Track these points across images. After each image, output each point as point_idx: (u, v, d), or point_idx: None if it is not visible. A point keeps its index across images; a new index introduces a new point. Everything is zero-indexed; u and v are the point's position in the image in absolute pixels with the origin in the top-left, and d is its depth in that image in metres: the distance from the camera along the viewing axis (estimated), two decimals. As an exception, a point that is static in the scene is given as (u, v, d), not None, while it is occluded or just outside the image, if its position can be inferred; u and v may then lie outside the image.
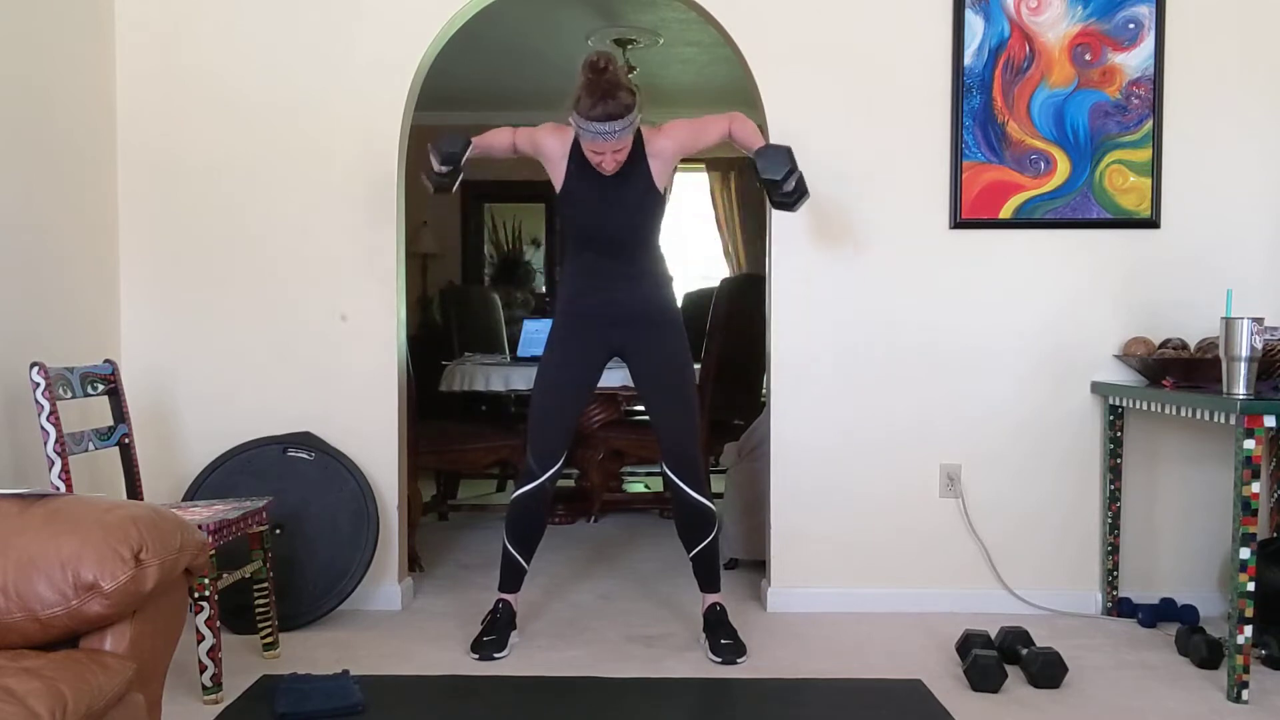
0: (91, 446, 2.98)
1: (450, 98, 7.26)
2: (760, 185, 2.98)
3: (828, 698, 2.82)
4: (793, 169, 2.92)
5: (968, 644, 3.03)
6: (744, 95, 3.97)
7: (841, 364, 3.63)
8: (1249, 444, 2.76)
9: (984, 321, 3.63)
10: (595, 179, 3.02)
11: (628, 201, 3.03)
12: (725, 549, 4.16)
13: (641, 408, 5.14)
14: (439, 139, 3.04)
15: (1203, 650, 3.04)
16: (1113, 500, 3.58)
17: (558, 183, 3.09)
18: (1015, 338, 3.63)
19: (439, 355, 5.98)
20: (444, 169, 3.03)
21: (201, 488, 3.46)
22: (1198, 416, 2.98)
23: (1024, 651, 2.97)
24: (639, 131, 3.03)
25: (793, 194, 2.95)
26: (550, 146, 3.08)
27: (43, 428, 2.76)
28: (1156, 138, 3.56)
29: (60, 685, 1.58)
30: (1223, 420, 2.86)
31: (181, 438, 3.61)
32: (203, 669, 2.72)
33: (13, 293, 3.00)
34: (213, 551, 2.73)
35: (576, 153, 3.03)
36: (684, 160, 3.26)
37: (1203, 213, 3.60)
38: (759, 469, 3.94)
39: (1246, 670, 2.79)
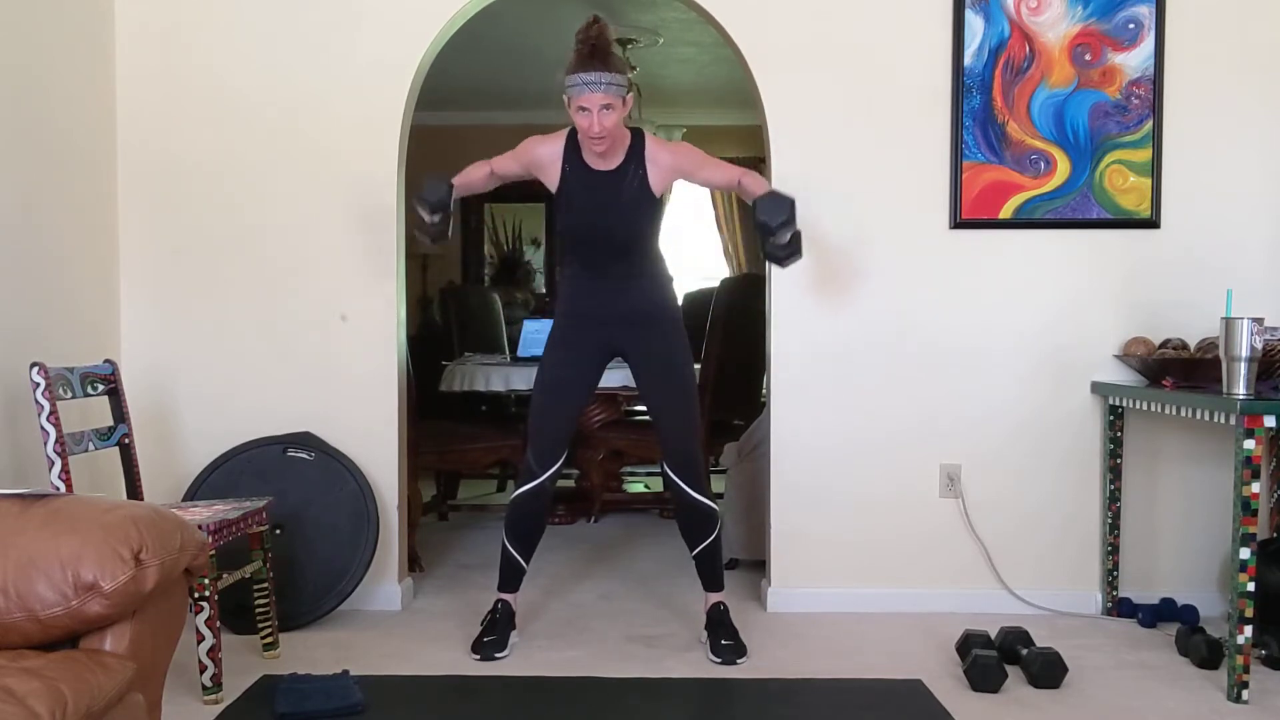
0: (91, 446, 2.98)
1: (450, 98, 7.25)
2: (756, 230, 2.95)
3: (828, 698, 2.82)
4: (790, 220, 2.89)
5: (968, 644, 3.03)
6: (744, 95, 3.97)
7: (841, 364, 3.63)
8: (1249, 444, 2.76)
9: (984, 321, 3.63)
10: (590, 179, 3.01)
11: (623, 202, 3.03)
12: (725, 549, 4.15)
13: (642, 407, 5.15)
14: (421, 190, 3.04)
15: (1203, 650, 3.04)
16: (1113, 500, 3.58)
17: (553, 185, 3.09)
18: (1015, 338, 3.63)
19: (439, 355, 5.98)
20: (435, 217, 3.04)
21: (201, 488, 3.46)
22: (1198, 416, 2.98)
23: (1024, 651, 2.97)
24: (643, 135, 3.03)
25: (785, 247, 2.93)
26: (540, 153, 3.08)
27: (43, 428, 2.76)
28: (1156, 138, 3.56)
29: (60, 685, 1.58)
30: (1223, 420, 2.85)
31: (181, 438, 3.61)
32: (203, 669, 2.72)
33: (13, 293, 2.99)
34: (213, 551, 2.73)
35: (570, 154, 3.03)
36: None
37: (1203, 213, 3.60)
38: (759, 469, 3.94)
39: (1246, 670, 2.79)
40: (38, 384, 2.77)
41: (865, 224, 3.62)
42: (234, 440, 3.54)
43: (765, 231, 2.91)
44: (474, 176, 3.19)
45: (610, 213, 3.04)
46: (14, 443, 2.96)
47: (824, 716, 2.69)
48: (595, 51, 2.84)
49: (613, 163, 3.01)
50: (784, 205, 2.90)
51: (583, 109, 2.86)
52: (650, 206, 3.06)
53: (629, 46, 6.07)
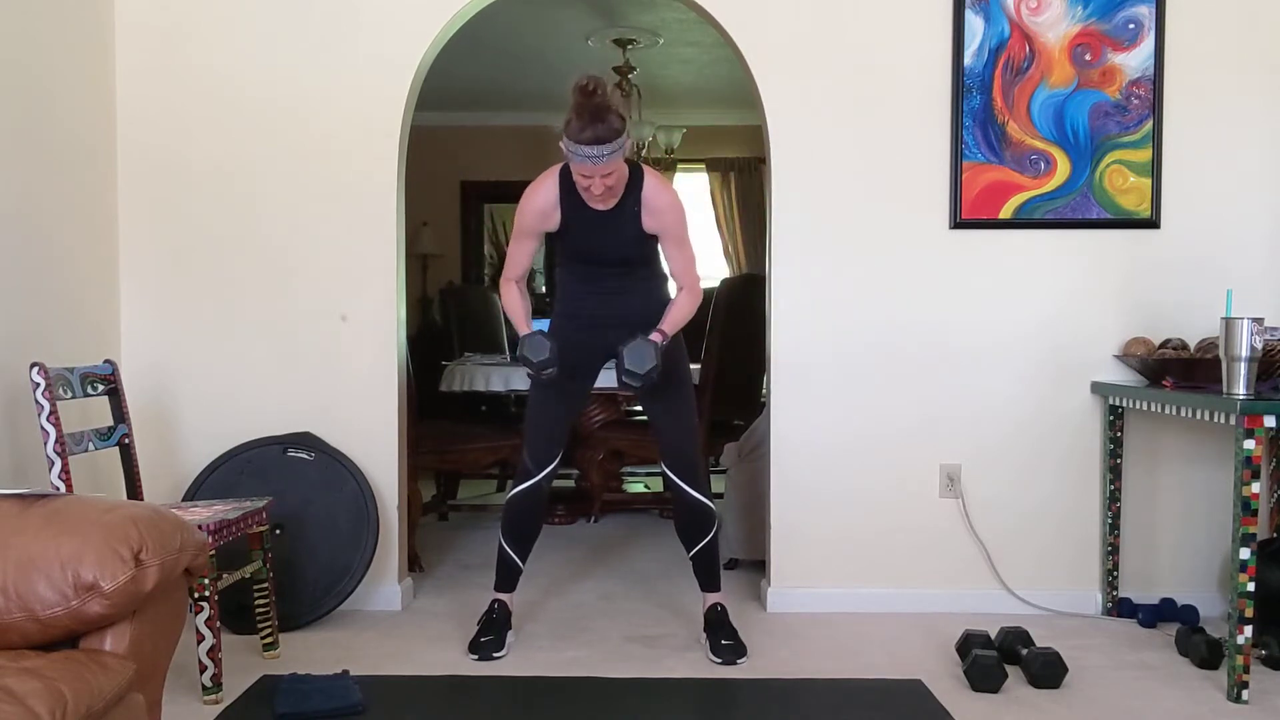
0: (91, 446, 2.98)
1: (450, 98, 7.26)
2: (620, 374, 2.94)
3: (828, 698, 2.82)
4: (654, 366, 2.90)
5: (968, 644, 3.03)
6: (744, 95, 3.97)
7: (841, 364, 3.63)
8: (1249, 444, 2.76)
9: (984, 321, 3.63)
10: (588, 220, 3.01)
11: (620, 239, 3.04)
12: (725, 549, 4.16)
13: (641, 407, 5.15)
14: (532, 362, 2.97)
15: (1203, 650, 3.04)
16: (1113, 500, 3.58)
17: (553, 229, 3.08)
18: (1015, 338, 3.63)
19: (439, 355, 5.98)
20: (549, 370, 3.00)
21: (201, 488, 3.46)
22: (1198, 416, 2.98)
23: (1024, 651, 2.97)
24: (642, 173, 3.02)
25: (638, 382, 2.93)
26: (538, 208, 3.04)
27: (43, 428, 2.76)
28: (1156, 138, 3.56)
29: (60, 685, 1.58)
30: (1223, 420, 2.85)
31: (181, 438, 3.61)
32: (203, 669, 2.72)
33: (13, 293, 2.99)
34: (213, 551, 2.73)
35: (566, 195, 3.01)
36: (682, 161, 3.25)
37: (1203, 213, 3.60)
38: (759, 469, 3.94)
39: (1246, 670, 2.79)
40: (38, 384, 2.76)
41: (865, 224, 3.62)
42: (234, 440, 3.54)
43: (630, 376, 2.92)
44: (517, 300, 3.18)
45: (608, 248, 3.06)
46: (14, 443, 2.96)
47: (824, 716, 2.69)
48: (595, 118, 2.78)
49: (610, 203, 3.00)
50: (650, 353, 2.90)
51: (584, 174, 2.85)
52: (645, 239, 3.08)
53: (629, 46, 6.07)
